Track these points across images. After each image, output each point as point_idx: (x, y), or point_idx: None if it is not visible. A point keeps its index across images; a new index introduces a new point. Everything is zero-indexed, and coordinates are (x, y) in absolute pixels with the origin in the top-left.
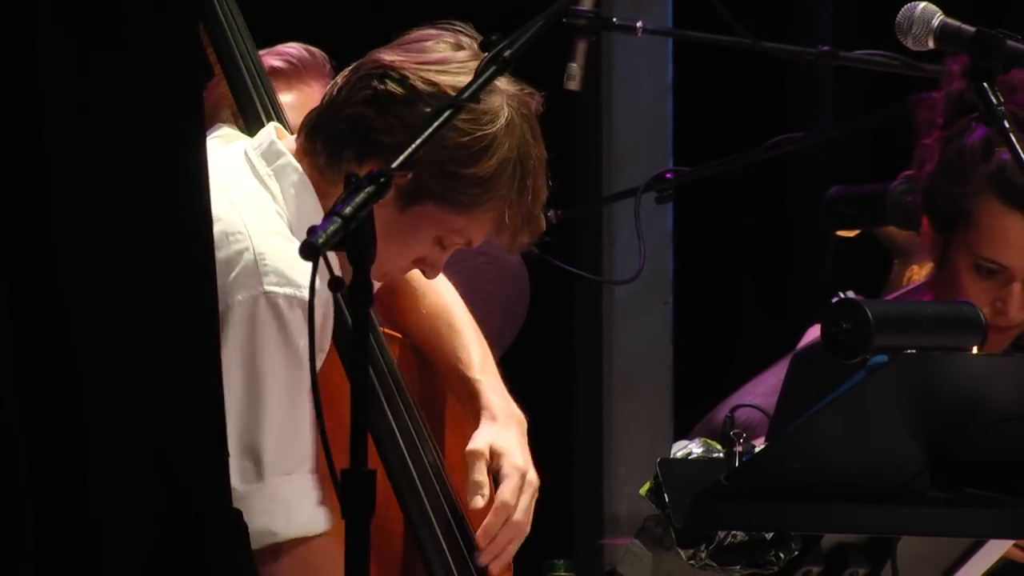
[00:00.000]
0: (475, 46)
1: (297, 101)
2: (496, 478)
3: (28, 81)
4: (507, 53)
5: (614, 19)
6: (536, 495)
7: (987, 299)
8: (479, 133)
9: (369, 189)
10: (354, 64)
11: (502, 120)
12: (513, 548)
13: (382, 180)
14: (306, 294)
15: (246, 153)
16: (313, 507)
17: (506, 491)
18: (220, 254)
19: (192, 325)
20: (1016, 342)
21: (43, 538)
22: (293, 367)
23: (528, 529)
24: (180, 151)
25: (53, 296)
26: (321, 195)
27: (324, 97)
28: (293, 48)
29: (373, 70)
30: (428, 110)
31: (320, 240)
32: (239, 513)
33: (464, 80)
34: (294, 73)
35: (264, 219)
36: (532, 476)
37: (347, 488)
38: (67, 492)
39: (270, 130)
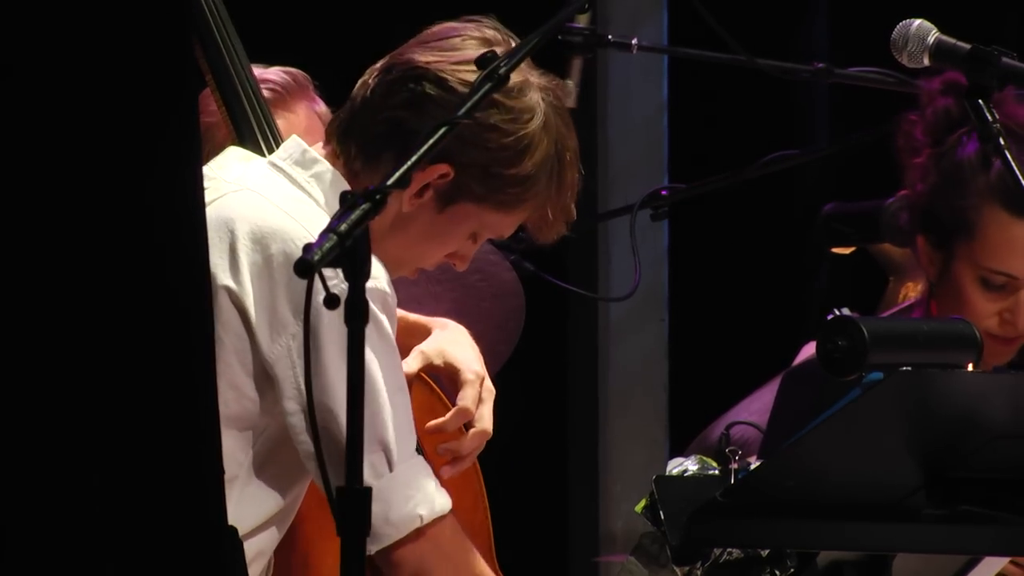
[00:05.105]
0: (500, 38)
1: (283, 127)
2: (456, 384)
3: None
4: (503, 70)
5: (610, 36)
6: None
7: (994, 310)
8: (520, 133)
9: (365, 206)
10: (383, 64)
11: (539, 117)
12: (474, 454)
13: (377, 197)
14: (383, 285)
15: (274, 165)
16: (436, 487)
17: (467, 397)
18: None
19: (188, 355)
20: (1013, 361)
21: (36, 560)
22: (391, 354)
23: (491, 433)
24: (173, 170)
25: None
26: None
27: (354, 98)
28: (274, 74)
29: (407, 71)
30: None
31: (316, 257)
32: (234, 530)
33: None
34: (279, 100)
35: (319, 221)
36: (489, 384)
37: (342, 506)
38: (61, 514)
39: (297, 140)
